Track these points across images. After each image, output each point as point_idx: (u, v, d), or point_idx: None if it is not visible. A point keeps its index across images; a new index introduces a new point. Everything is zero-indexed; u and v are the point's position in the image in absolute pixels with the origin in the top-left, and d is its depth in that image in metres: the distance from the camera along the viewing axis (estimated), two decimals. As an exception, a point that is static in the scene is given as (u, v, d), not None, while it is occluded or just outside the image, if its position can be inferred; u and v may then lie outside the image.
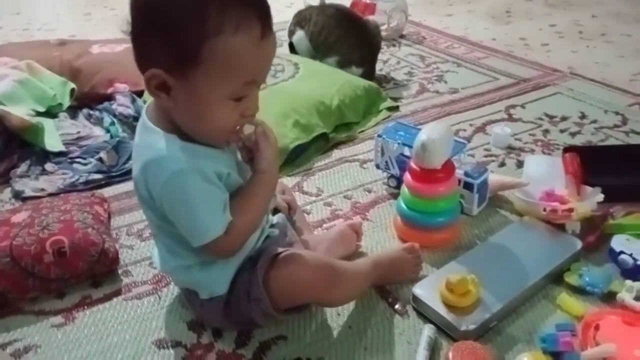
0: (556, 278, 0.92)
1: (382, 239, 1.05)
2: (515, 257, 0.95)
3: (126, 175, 1.24)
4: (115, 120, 1.44)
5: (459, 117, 1.51)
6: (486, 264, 0.92)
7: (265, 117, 0.80)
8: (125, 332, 0.86)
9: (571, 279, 0.91)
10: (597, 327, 0.81)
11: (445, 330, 0.83)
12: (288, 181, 1.22)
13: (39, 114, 1.42)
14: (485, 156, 1.31)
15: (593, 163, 1.11)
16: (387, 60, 1.93)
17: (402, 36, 2.18)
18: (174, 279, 0.90)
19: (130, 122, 1.41)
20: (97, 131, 1.42)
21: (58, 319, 0.89)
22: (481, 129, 1.44)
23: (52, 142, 1.34)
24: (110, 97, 1.53)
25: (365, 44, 1.72)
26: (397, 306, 0.89)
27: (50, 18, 2.55)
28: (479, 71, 1.84)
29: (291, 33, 1.82)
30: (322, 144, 1.37)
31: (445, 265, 0.94)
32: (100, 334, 0.86)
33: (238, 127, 0.74)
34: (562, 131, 1.42)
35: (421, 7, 2.62)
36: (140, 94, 1.51)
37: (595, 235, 0.99)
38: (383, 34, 1.91)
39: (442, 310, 0.84)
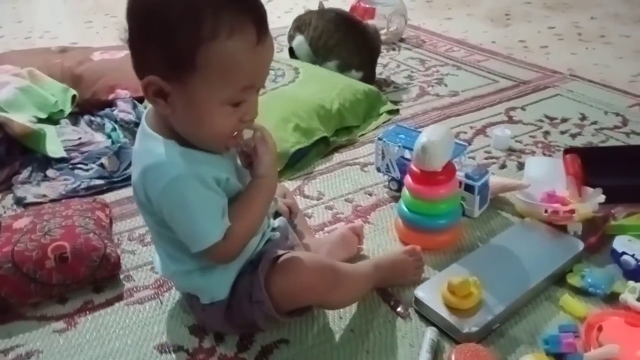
0: (558, 279, 0.92)
1: (383, 241, 1.05)
2: (517, 259, 0.94)
3: (127, 180, 1.24)
4: (116, 126, 1.45)
5: (459, 119, 1.51)
6: (488, 266, 0.92)
7: (266, 122, 0.80)
8: (127, 337, 0.86)
9: (573, 280, 0.91)
10: (600, 329, 0.80)
11: (448, 333, 0.83)
12: (289, 185, 1.22)
13: (40, 120, 1.42)
14: (486, 158, 1.31)
15: (594, 164, 1.11)
16: (387, 64, 1.94)
17: (401, 40, 2.19)
18: (175, 284, 0.90)
19: (131, 128, 1.42)
20: (99, 137, 1.42)
21: (60, 324, 0.89)
22: (481, 131, 1.44)
23: (54, 148, 1.35)
24: (111, 104, 1.54)
25: (365, 48, 1.72)
26: (399, 309, 0.89)
27: (51, 26, 2.56)
28: (479, 74, 1.84)
29: (291, 38, 1.82)
30: (323, 147, 1.37)
31: (447, 268, 0.93)
32: (102, 339, 0.86)
33: (236, 133, 0.74)
34: (562, 133, 1.42)
35: (420, 10, 2.63)
36: (141, 100, 1.52)
37: (597, 237, 0.99)
38: (383, 37, 1.91)
39: (444, 313, 0.84)
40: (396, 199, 1.13)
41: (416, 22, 2.40)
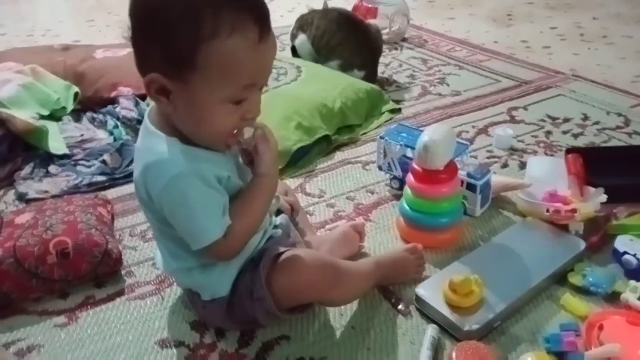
0: (560, 279, 0.92)
1: (385, 240, 1.05)
2: (519, 258, 0.94)
3: (129, 177, 1.25)
4: (119, 124, 1.45)
5: (462, 119, 1.51)
6: (490, 265, 0.92)
7: (268, 120, 0.80)
8: (128, 333, 0.86)
9: (575, 279, 0.91)
10: (601, 328, 0.80)
11: (449, 331, 0.83)
12: (291, 183, 1.23)
13: (43, 117, 1.43)
14: (488, 158, 1.31)
15: (596, 164, 1.10)
16: (390, 64, 1.94)
17: (404, 40, 2.19)
18: (177, 281, 0.91)
19: (133, 126, 1.42)
20: (101, 134, 1.42)
21: (61, 319, 0.89)
22: (483, 131, 1.44)
23: (56, 145, 1.35)
24: (114, 101, 1.54)
25: (367, 48, 1.72)
26: (400, 307, 0.89)
27: (54, 25, 2.56)
28: (481, 74, 1.84)
29: (294, 37, 1.83)
30: (325, 146, 1.37)
31: (449, 266, 0.94)
32: (103, 334, 0.86)
33: (236, 131, 0.74)
34: (564, 133, 1.42)
35: (423, 10, 2.63)
36: (144, 97, 1.52)
37: (599, 236, 0.99)
38: (385, 37, 1.91)
39: (445, 311, 0.84)
40: (398, 197, 1.14)
41: (418, 22, 2.40)
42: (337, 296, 0.84)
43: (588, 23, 2.36)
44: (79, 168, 1.30)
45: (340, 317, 0.87)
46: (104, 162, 1.29)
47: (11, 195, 1.23)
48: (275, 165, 0.80)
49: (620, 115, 1.50)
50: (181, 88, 0.69)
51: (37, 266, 0.91)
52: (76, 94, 1.55)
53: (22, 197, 1.20)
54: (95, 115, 1.51)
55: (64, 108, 1.51)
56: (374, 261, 0.93)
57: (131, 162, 1.29)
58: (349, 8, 2.02)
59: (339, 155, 1.36)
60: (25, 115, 1.36)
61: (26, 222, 0.98)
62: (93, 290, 0.95)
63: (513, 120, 1.50)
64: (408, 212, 1.03)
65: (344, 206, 1.16)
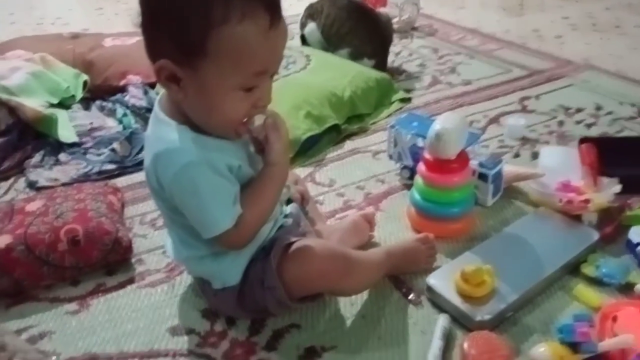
0: (573, 269, 0.91)
1: (395, 229, 1.04)
2: (531, 248, 0.93)
3: (139, 165, 1.24)
4: (127, 112, 1.45)
5: (472, 108, 1.50)
6: (501, 255, 0.91)
7: (277, 109, 0.79)
8: (139, 320, 0.86)
9: (588, 270, 0.90)
10: (614, 319, 0.79)
11: (460, 321, 0.82)
12: (300, 172, 1.22)
13: (52, 105, 1.43)
14: (499, 147, 1.30)
15: (610, 154, 1.09)
16: (399, 52, 1.92)
17: (414, 28, 2.16)
18: (187, 269, 0.91)
19: (142, 114, 1.41)
20: (110, 122, 1.42)
21: (73, 306, 0.89)
22: (495, 120, 1.43)
23: (66, 133, 1.35)
24: (123, 89, 1.54)
25: (377, 36, 1.71)
26: (411, 296, 0.88)
27: (63, 13, 2.56)
28: (492, 63, 1.82)
29: (303, 25, 1.81)
30: (334, 135, 1.36)
31: (460, 256, 0.93)
32: (114, 321, 0.86)
33: (246, 119, 0.74)
34: (577, 122, 1.40)
35: (433, -1, 2.60)
36: (152, 85, 1.51)
37: (612, 227, 0.98)
38: (395, 26, 1.90)
39: (456, 301, 0.83)
40: (408, 187, 1.13)
41: (429, 10, 2.37)
42: (348, 286, 0.84)
43: (600, 12, 2.33)
44: (88, 156, 1.30)
45: (350, 306, 0.87)
46: (113, 150, 1.29)
47: (21, 182, 1.23)
48: (285, 153, 0.80)
49: (633, 105, 1.48)
50: (191, 75, 0.68)
51: (47, 253, 0.91)
52: (85, 82, 1.55)
53: (32, 185, 1.21)
54: (104, 104, 1.51)
55: (73, 96, 1.51)
56: (385, 250, 0.92)
57: (140, 150, 1.29)
58: (358, -4, 2.00)
59: (349, 144, 1.35)
60: (34, 103, 1.36)
61: (37, 210, 0.99)
62: (104, 277, 0.95)
63: (524, 110, 1.48)
64: (419, 202, 1.02)
65: (354, 195, 1.15)
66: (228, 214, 0.73)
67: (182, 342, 0.82)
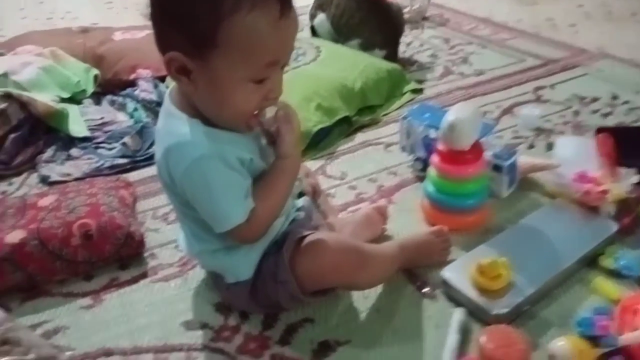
0: (590, 262, 0.89)
1: (408, 222, 1.03)
2: (548, 240, 0.92)
3: (151, 159, 1.24)
4: (138, 106, 1.44)
5: (485, 99, 1.48)
6: (518, 248, 0.90)
7: (288, 101, 0.79)
8: (152, 314, 0.86)
9: (606, 262, 0.88)
10: (635, 312, 0.78)
11: (476, 314, 0.81)
12: (312, 165, 1.21)
13: (63, 100, 1.43)
14: (514, 138, 1.28)
15: (627, 144, 1.07)
16: (411, 43, 1.90)
17: (425, 18, 2.14)
18: (200, 263, 0.90)
19: (153, 108, 1.41)
20: (121, 117, 1.42)
21: (86, 301, 0.89)
22: (509, 110, 1.41)
23: (77, 127, 1.35)
24: (133, 83, 1.53)
25: (388, 26, 1.69)
26: (425, 290, 0.87)
27: (72, 7, 2.56)
28: (505, 53, 1.79)
29: (312, 16, 1.80)
30: (346, 127, 1.35)
31: (475, 249, 0.91)
32: (128, 315, 0.86)
33: (257, 111, 0.73)
34: (593, 112, 1.38)
35: (444, -12, 2.56)
36: (162, 79, 1.51)
37: (631, 218, 0.96)
38: (406, 16, 1.87)
39: (472, 294, 0.82)
40: (420, 179, 1.11)
41: (440, 0, 2.34)
42: (361, 280, 0.83)
43: (615, 1, 2.28)
44: (100, 151, 1.30)
45: (364, 299, 0.86)
46: (124, 144, 1.29)
47: (34, 177, 1.24)
48: (297, 146, 0.79)
49: (650, 94, 1.45)
50: (201, 67, 0.68)
51: (60, 248, 0.91)
52: (96, 77, 1.55)
53: (44, 180, 1.21)
54: (114, 98, 1.51)
55: (84, 91, 1.51)
56: (398, 244, 0.91)
57: (152, 144, 1.29)
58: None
59: (360, 137, 1.34)
60: (45, 98, 1.37)
61: (49, 204, 0.99)
62: (117, 272, 0.95)
63: (539, 100, 1.46)
64: (432, 194, 1.01)
65: (366, 188, 1.14)
66: (240, 208, 0.72)
67: (196, 337, 0.82)
